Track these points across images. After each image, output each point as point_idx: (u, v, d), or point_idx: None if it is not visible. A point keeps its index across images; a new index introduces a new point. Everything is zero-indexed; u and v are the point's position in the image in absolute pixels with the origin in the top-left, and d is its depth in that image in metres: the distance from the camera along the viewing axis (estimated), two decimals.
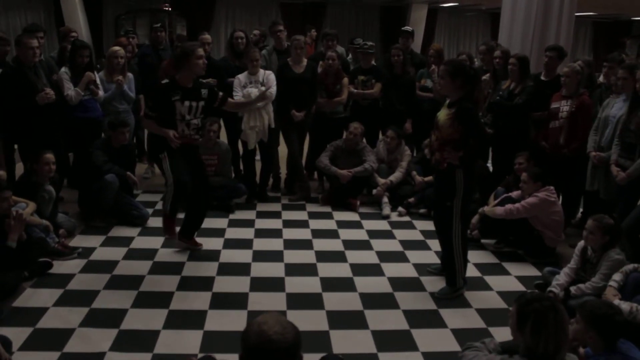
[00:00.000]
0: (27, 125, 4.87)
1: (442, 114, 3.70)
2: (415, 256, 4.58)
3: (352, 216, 5.51)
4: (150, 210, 5.22)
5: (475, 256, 4.52)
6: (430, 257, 4.56)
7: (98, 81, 5.41)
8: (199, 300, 3.72)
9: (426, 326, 3.50)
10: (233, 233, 4.95)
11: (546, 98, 5.09)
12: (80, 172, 5.29)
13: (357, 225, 5.29)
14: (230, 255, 4.47)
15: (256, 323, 1.71)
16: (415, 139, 6.20)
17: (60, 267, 4.10)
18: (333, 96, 5.90)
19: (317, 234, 5.02)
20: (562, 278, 3.74)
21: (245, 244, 4.73)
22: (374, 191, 5.74)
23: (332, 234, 5.03)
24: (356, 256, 4.54)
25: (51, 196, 4.48)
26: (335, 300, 3.78)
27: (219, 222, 5.12)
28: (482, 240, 4.85)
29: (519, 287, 4.11)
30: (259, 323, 1.70)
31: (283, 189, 6.25)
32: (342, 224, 5.27)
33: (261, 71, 5.52)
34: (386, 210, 5.54)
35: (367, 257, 4.55)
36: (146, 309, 3.58)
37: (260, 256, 4.47)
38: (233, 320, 3.45)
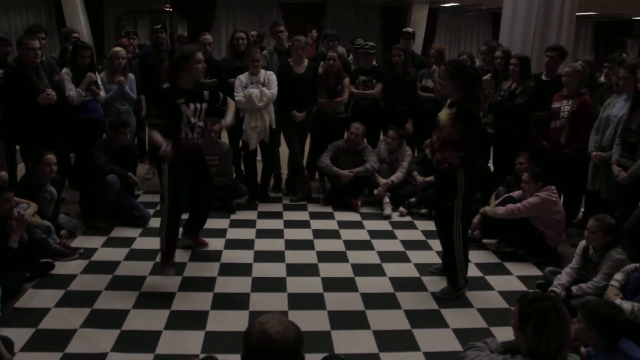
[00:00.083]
0: (29, 126, 4.88)
1: (443, 114, 3.70)
2: (416, 256, 4.58)
3: (353, 216, 5.52)
4: (151, 211, 5.22)
5: (476, 256, 4.52)
6: (431, 257, 4.56)
7: (99, 82, 5.41)
8: (200, 301, 3.72)
9: (428, 326, 3.50)
10: (234, 233, 4.95)
11: (547, 98, 5.09)
12: (82, 173, 5.30)
13: (358, 225, 5.29)
14: (232, 256, 4.48)
15: (258, 323, 1.71)
16: (416, 139, 6.20)
17: (61, 267, 4.10)
18: (334, 96, 5.90)
19: (319, 234, 5.02)
20: (564, 278, 3.74)
21: (247, 244, 4.73)
22: (375, 191, 5.75)
23: (333, 234, 5.03)
24: (357, 256, 4.54)
25: (53, 197, 4.48)
26: (337, 301, 3.78)
27: (220, 223, 5.12)
28: (484, 240, 4.86)
29: (521, 287, 4.11)
30: (261, 323, 1.70)
31: (284, 189, 6.25)
32: (344, 224, 5.28)
33: (262, 71, 5.52)
34: (387, 210, 5.55)
35: (369, 257, 4.55)
36: (148, 309, 3.59)
37: (261, 256, 4.48)
38: (235, 321, 3.45)
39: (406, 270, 4.34)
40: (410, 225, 5.33)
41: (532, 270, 4.39)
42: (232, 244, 4.72)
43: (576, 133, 4.85)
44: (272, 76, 5.54)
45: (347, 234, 5.04)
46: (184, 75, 3.90)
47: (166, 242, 3.98)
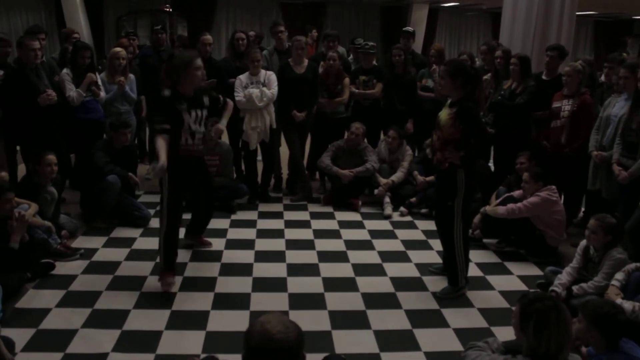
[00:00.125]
0: (29, 127, 4.88)
1: (444, 114, 3.70)
2: (417, 256, 4.58)
3: (353, 216, 5.52)
4: (152, 211, 5.22)
5: (477, 256, 4.52)
6: (432, 256, 4.56)
7: (100, 82, 5.41)
8: (201, 301, 3.72)
9: (428, 326, 3.50)
10: (235, 233, 4.95)
11: (547, 97, 5.09)
12: (82, 173, 5.30)
13: (358, 225, 5.29)
14: (233, 256, 4.48)
15: (259, 323, 1.71)
16: (417, 139, 6.20)
17: (62, 268, 4.10)
18: (334, 96, 5.91)
19: (319, 234, 5.02)
20: (565, 277, 3.74)
21: (247, 244, 4.73)
22: (376, 191, 5.74)
23: (334, 234, 5.03)
24: (358, 256, 4.54)
25: (53, 197, 4.48)
26: (338, 300, 3.78)
27: (221, 223, 5.12)
28: (484, 240, 4.86)
29: (521, 286, 4.11)
30: (262, 323, 1.70)
31: (285, 189, 6.25)
32: (344, 224, 5.28)
33: (262, 71, 5.52)
34: (388, 210, 5.55)
35: (369, 257, 4.55)
36: (149, 309, 3.59)
37: (262, 256, 4.48)
38: (235, 321, 3.45)
39: (407, 270, 4.34)
40: (411, 225, 5.33)
41: (533, 270, 4.38)
42: (232, 244, 4.72)
43: (576, 132, 4.85)
44: (272, 76, 5.55)
45: (348, 234, 5.04)
46: (183, 82, 3.81)
47: (164, 258, 3.86)
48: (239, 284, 3.99)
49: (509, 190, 4.88)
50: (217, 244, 4.68)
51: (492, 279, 4.22)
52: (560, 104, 4.95)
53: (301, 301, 3.76)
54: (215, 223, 4.99)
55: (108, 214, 4.98)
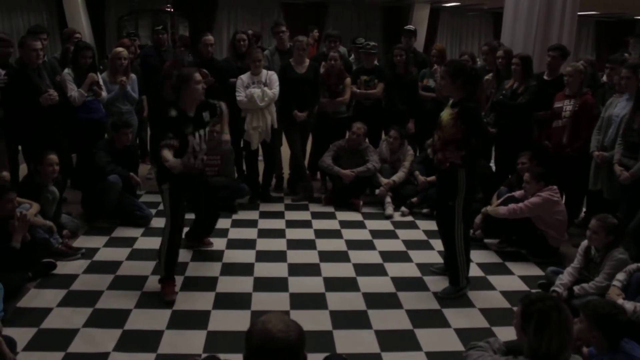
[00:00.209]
0: (31, 127, 4.89)
1: (445, 114, 3.70)
2: (418, 256, 4.58)
3: (354, 216, 5.52)
4: (153, 211, 5.23)
5: (478, 256, 4.52)
6: (433, 256, 4.56)
7: (101, 82, 5.42)
8: (202, 301, 3.72)
9: (429, 326, 3.50)
10: (236, 233, 4.96)
11: (549, 97, 5.09)
12: (84, 173, 5.30)
13: (360, 225, 5.29)
14: (234, 256, 4.48)
15: (260, 322, 1.71)
16: (418, 139, 6.19)
17: (64, 267, 4.11)
18: (336, 96, 5.91)
19: (320, 234, 5.02)
20: (566, 278, 3.74)
21: (249, 244, 4.73)
22: (377, 191, 5.74)
23: (335, 234, 5.03)
24: (359, 256, 4.54)
25: (55, 197, 4.49)
26: (339, 300, 3.79)
27: (222, 223, 5.10)
28: (485, 240, 4.85)
29: (523, 286, 4.11)
30: (263, 322, 1.70)
31: (286, 189, 6.25)
32: (345, 224, 5.28)
33: (264, 71, 5.53)
34: (389, 210, 5.54)
35: (370, 257, 4.55)
36: (150, 309, 3.59)
37: (263, 256, 4.48)
38: (236, 320, 3.46)
39: (408, 270, 4.34)
40: (412, 225, 5.33)
41: (534, 270, 4.38)
42: (234, 244, 4.72)
43: (578, 133, 4.84)
44: (273, 76, 5.55)
45: (349, 234, 5.04)
46: (185, 96, 3.75)
47: (165, 266, 3.78)
48: (240, 284, 3.99)
49: (511, 191, 4.87)
50: (218, 243, 4.68)
51: (493, 279, 4.22)
52: (562, 104, 4.94)
53: (302, 301, 3.76)
54: (217, 223, 4.99)
55: (109, 213, 4.98)
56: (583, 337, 2.66)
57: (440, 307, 3.74)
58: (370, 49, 6.04)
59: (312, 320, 3.45)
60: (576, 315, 2.59)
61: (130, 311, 3.55)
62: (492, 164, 5.80)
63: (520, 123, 5.20)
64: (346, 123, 6.06)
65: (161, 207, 5.28)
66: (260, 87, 5.43)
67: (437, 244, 4.51)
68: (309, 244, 4.78)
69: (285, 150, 6.13)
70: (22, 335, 3.16)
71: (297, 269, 4.26)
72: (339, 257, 4.53)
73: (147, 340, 3.23)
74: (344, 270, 4.29)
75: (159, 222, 4.95)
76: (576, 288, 3.62)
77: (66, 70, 5.29)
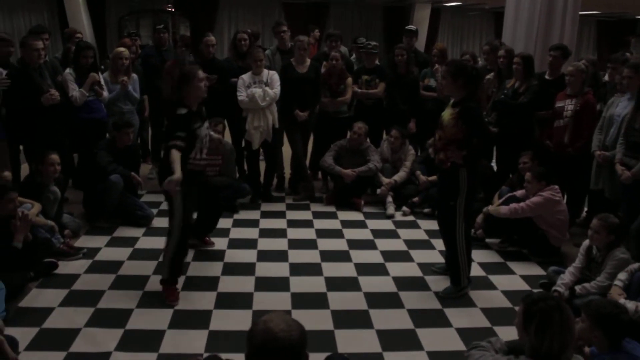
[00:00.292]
0: (32, 126, 4.89)
1: (447, 114, 3.70)
2: (419, 255, 4.58)
3: (356, 216, 5.52)
4: (154, 211, 5.24)
5: (479, 255, 4.52)
6: (434, 256, 4.56)
7: (102, 82, 5.42)
8: (204, 300, 3.73)
9: (431, 325, 3.50)
10: (237, 233, 4.96)
11: (550, 97, 5.08)
12: (85, 173, 5.31)
13: (361, 224, 5.29)
14: (235, 255, 4.48)
15: (262, 322, 1.71)
16: (419, 139, 6.20)
17: (65, 267, 4.12)
18: (337, 96, 5.90)
19: (322, 233, 5.02)
20: (567, 277, 3.73)
21: (250, 243, 4.74)
22: (378, 191, 5.74)
23: (336, 234, 5.03)
24: (360, 256, 4.54)
25: (56, 197, 4.49)
26: (340, 300, 3.79)
27: (224, 222, 5.11)
28: (487, 240, 4.85)
29: (524, 286, 4.11)
30: (265, 322, 1.70)
31: (287, 188, 6.25)
32: (347, 224, 5.28)
33: (265, 71, 5.53)
34: (390, 209, 5.54)
35: (372, 256, 4.55)
36: (151, 308, 3.59)
37: (264, 256, 4.48)
38: (238, 320, 3.46)
39: (409, 269, 4.34)
40: (413, 225, 5.33)
41: (536, 270, 4.38)
42: (235, 244, 4.72)
43: (579, 132, 4.84)
44: (274, 76, 5.55)
45: (350, 234, 5.04)
46: (188, 95, 3.72)
47: (170, 270, 3.73)
48: (242, 284, 3.99)
49: (512, 190, 4.87)
50: (220, 243, 4.68)
51: (494, 278, 4.21)
52: (563, 103, 4.94)
53: (304, 300, 3.76)
54: (218, 222, 4.99)
55: (111, 213, 4.99)
56: (585, 336, 2.66)
57: (442, 306, 3.74)
58: (371, 49, 6.04)
59: (313, 320, 3.44)
60: (578, 315, 2.59)
61: (132, 311, 3.55)
62: (494, 164, 5.80)
63: (521, 123, 5.20)
64: (347, 123, 6.06)
65: (162, 207, 5.34)
66: (262, 87, 5.43)
67: (439, 244, 4.52)
68: (310, 244, 4.78)
69: (286, 150, 6.13)
70: (24, 334, 3.16)
71: (298, 269, 4.26)
72: (341, 256, 4.53)
73: (149, 340, 3.24)
74: (345, 269, 4.29)
75: (160, 222, 4.96)
76: (578, 288, 3.61)
77: (67, 70, 5.29)
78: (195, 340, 3.24)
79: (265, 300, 3.74)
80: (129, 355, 3.08)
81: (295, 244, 4.77)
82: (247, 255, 4.48)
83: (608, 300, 2.95)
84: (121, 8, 13.89)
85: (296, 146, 5.86)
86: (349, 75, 6.00)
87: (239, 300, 3.74)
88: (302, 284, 4.00)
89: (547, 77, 5.36)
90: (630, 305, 3.08)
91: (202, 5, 14.22)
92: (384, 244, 4.81)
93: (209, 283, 3.98)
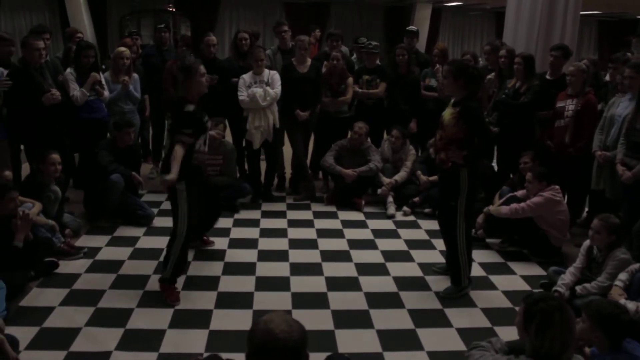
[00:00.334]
0: (33, 126, 4.89)
1: (447, 114, 3.70)
2: (420, 255, 4.58)
3: (357, 216, 5.52)
4: (155, 210, 5.24)
5: (480, 255, 4.52)
6: (435, 256, 4.56)
7: (103, 82, 5.42)
8: (204, 300, 3.73)
9: (431, 325, 3.50)
10: (238, 233, 4.96)
11: (551, 97, 5.08)
12: (86, 173, 5.31)
13: (362, 224, 5.29)
14: (236, 255, 4.48)
15: (262, 322, 1.71)
16: (420, 139, 6.19)
17: (66, 266, 4.12)
18: (337, 96, 5.90)
19: (322, 233, 5.02)
20: (568, 277, 3.73)
21: (251, 243, 4.74)
22: (379, 191, 5.74)
23: (337, 234, 5.03)
24: (361, 256, 4.54)
25: (57, 196, 4.49)
26: (341, 300, 3.79)
27: (224, 222, 5.12)
28: (487, 240, 4.85)
29: (524, 286, 4.10)
30: (265, 321, 1.70)
31: (288, 188, 6.25)
32: (347, 224, 5.28)
33: (266, 71, 5.53)
34: (391, 209, 5.54)
35: (372, 256, 4.55)
36: (152, 308, 3.60)
37: (265, 256, 4.48)
38: (238, 320, 3.46)
39: (410, 269, 4.34)
40: (414, 225, 5.33)
41: (536, 270, 4.38)
42: (235, 243, 4.73)
43: (580, 132, 4.83)
44: (275, 75, 5.55)
45: (351, 234, 5.04)
46: (190, 89, 3.70)
47: (173, 271, 3.72)
48: (242, 283, 3.99)
49: (513, 190, 4.87)
50: (220, 243, 4.69)
51: (495, 278, 4.21)
52: (564, 103, 4.93)
53: (304, 300, 3.76)
54: (219, 222, 4.99)
55: (111, 213, 4.99)
56: (585, 337, 2.65)
57: (442, 306, 3.74)
58: (372, 49, 6.04)
59: (314, 320, 3.44)
60: (578, 315, 2.58)
61: (133, 310, 3.56)
62: (494, 164, 5.80)
63: (522, 123, 5.19)
64: (348, 123, 6.06)
65: (163, 206, 5.35)
66: (262, 87, 5.43)
67: (439, 244, 4.52)
68: (310, 244, 4.78)
69: (287, 150, 6.13)
70: (24, 334, 3.17)
71: (299, 269, 4.26)
72: (341, 256, 4.53)
73: (149, 339, 3.24)
74: (345, 269, 4.29)
75: (160, 222, 4.97)
76: (578, 288, 3.61)
77: (68, 70, 5.30)
78: (195, 340, 3.25)
79: (266, 300, 3.74)
80: (130, 355, 3.08)
81: (296, 243, 4.77)
82: (247, 255, 4.48)
83: (609, 301, 2.95)
84: (122, 8, 13.90)
85: (297, 146, 5.86)
86: (350, 75, 6.00)
87: (239, 300, 3.74)
88: (302, 284, 4.00)
89: (548, 77, 5.35)
90: (631, 305, 3.08)
91: (203, 5, 14.23)
92: (384, 244, 4.81)
93: (210, 283, 3.98)
